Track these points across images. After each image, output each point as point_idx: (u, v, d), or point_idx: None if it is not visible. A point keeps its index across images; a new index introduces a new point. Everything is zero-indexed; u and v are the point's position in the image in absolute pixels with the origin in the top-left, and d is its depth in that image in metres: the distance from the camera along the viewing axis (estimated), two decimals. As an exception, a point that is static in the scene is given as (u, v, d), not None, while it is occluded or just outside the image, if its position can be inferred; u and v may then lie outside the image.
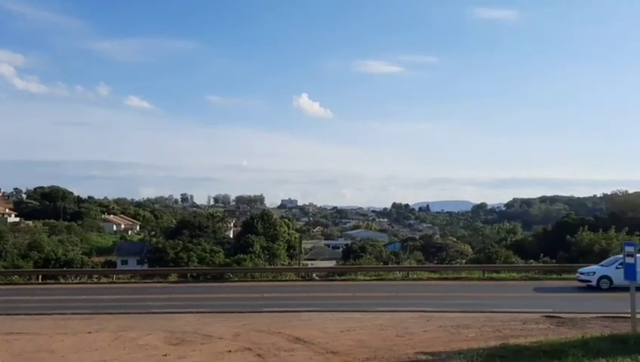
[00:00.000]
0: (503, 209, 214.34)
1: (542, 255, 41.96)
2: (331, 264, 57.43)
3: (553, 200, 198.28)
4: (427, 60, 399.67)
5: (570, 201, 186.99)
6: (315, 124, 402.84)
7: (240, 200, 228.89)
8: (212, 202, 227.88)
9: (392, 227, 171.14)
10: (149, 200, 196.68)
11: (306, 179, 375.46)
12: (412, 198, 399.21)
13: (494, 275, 31.14)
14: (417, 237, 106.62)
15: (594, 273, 25.42)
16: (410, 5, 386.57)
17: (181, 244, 54.34)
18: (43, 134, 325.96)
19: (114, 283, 32.85)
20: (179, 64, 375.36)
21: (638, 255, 12.06)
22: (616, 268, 23.38)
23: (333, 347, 12.41)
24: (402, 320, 16.30)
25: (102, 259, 63.80)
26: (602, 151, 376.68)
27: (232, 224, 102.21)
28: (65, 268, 40.47)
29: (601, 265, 26.04)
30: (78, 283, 33.11)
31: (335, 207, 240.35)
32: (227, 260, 43.68)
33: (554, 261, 39.73)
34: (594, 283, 24.97)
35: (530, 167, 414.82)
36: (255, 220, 75.18)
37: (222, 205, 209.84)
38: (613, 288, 23.87)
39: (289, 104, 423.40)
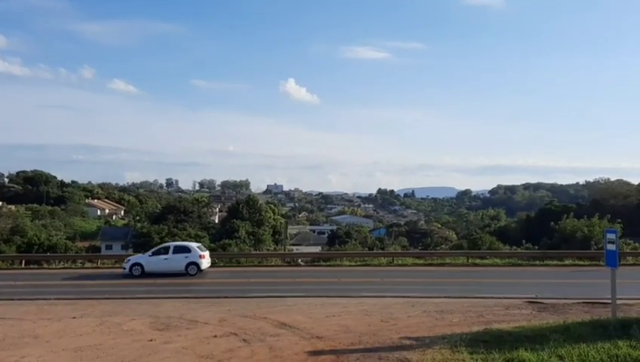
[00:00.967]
0: (487, 195, 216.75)
1: (525, 241, 42.53)
2: (317, 249, 57.67)
3: (537, 187, 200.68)
4: (414, 46, 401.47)
5: (553, 188, 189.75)
6: (301, 109, 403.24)
7: (225, 185, 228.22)
8: (197, 187, 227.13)
9: (377, 213, 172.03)
10: (133, 184, 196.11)
11: (292, 165, 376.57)
12: (397, 184, 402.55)
13: (478, 261, 31.50)
14: (402, 223, 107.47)
15: (129, 260, 28.19)
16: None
17: (166, 229, 54.22)
18: (25, 117, 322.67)
19: (98, 268, 32.67)
20: (164, 48, 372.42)
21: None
22: (149, 256, 27.73)
23: (318, 332, 12.48)
24: (387, 305, 16.40)
25: (86, 244, 63.37)
26: (584, 139, 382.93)
27: (217, 209, 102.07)
28: (48, 253, 40.02)
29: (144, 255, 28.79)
30: (62, 268, 32.82)
31: (321, 193, 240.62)
32: (212, 245, 43.54)
33: (537, 247, 40.29)
34: (127, 270, 27.48)
35: (515, 154, 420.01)
36: (240, 205, 75.00)
37: (207, 190, 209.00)
38: (145, 274, 26.86)
39: (276, 89, 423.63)
